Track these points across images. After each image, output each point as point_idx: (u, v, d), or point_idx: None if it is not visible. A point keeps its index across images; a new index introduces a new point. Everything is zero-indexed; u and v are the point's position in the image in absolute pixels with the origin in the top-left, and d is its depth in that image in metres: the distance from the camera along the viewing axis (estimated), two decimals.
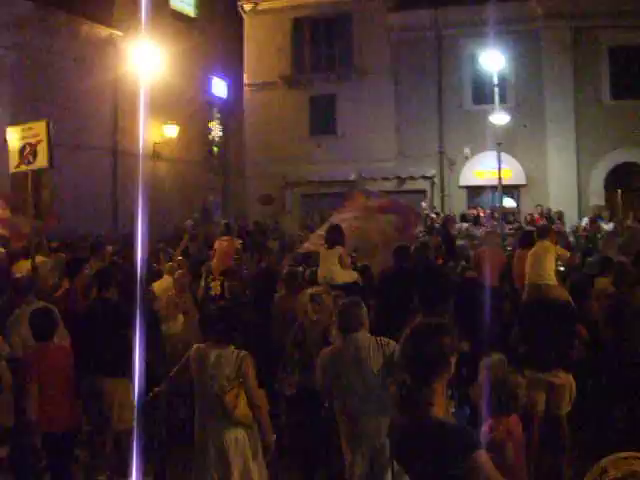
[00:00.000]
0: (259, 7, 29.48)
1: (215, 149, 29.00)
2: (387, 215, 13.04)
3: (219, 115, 29.14)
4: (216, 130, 29.08)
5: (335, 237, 10.51)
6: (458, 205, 26.67)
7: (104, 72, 24.69)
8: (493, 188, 26.72)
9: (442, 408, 3.37)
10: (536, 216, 23.29)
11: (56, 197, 21.24)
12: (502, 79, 24.61)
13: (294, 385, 6.70)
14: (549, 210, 24.01)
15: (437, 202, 27.32)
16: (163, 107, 23.95)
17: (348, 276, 10.24)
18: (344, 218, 12.85)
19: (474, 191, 27.62)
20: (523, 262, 10.57)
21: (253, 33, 29.55)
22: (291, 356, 6.83)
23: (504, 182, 21.52)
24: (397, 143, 27.78)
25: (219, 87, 28.83)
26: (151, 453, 6.28)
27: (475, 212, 24.35)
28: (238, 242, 12.95)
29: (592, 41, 26.06)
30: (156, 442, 6.27)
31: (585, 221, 22.57)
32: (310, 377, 6.26)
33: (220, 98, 28.83)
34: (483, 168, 26.34)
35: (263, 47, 29.16)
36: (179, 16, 29.00)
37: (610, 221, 22.02)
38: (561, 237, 16.06)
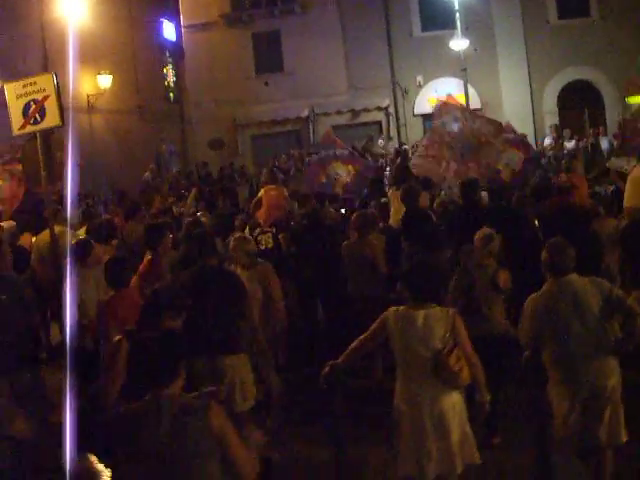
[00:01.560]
0: None
1: (171, 95, 27.80)
2: None
3: (171, 60, 27.74)
4: (170, 75, 27.78)
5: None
6: (415, 134, 26.48)
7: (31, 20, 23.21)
8: None
9: None
10: None
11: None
12: (450, 3, 24.46)
13: None
14: None
15: (393, 132, 27.13)
16: (98, 55, 22.66)
17: None
18: None
19: (429, 119, 27.46)
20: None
21: None
22: (453, 303, 6.36)
23: None
24: (348, 75, 27.29)
25: (168, 30, 27.30)
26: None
27: None
28: (285, 190, 12.14)
29: None
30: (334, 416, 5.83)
31: (548, 141, 22.76)
32: (478, 326, 5.97)
33: (170, 41, 27.40)
34: (437, 95, 26.19)
35: None
36: None
37: (571, 139, 22.29)
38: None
